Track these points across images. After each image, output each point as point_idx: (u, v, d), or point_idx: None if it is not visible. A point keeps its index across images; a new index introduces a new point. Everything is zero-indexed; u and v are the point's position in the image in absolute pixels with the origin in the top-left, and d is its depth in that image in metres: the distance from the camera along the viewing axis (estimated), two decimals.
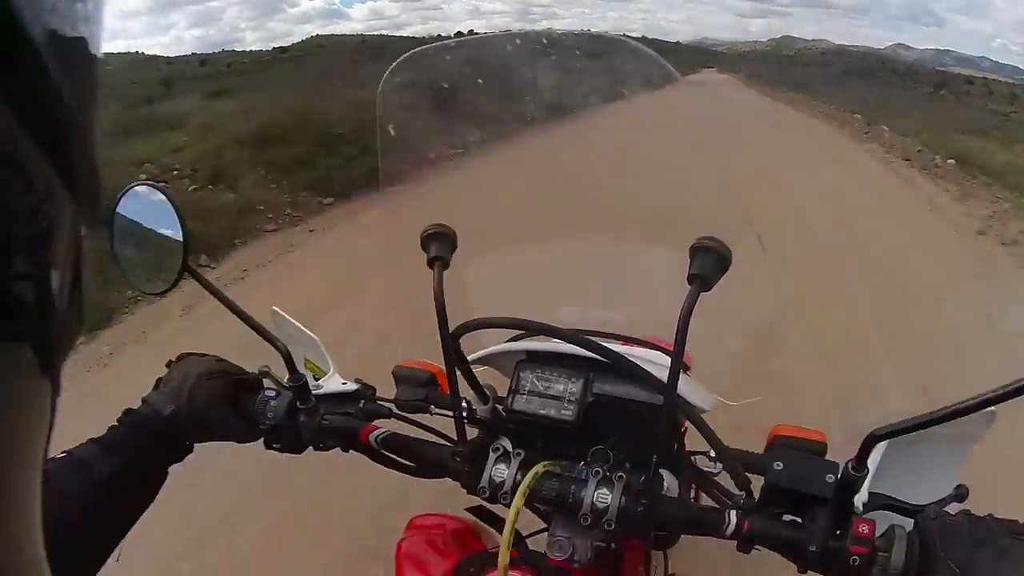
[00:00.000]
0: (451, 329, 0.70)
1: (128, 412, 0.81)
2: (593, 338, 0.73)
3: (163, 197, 0.79)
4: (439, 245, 0.74)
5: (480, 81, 0.99)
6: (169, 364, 0.88)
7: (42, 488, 0.59)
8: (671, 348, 0.65)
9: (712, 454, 0.76)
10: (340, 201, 6.78)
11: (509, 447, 0.76)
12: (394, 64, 0.89)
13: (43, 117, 0.17)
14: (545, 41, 1.00)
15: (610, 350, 0.71)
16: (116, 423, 0.80)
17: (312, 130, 7.89)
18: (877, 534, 0.62)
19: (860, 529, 0.62)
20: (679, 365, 0.66)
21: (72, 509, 0.68)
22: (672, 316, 0.64)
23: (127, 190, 0.80)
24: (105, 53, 0.21)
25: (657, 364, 0.74)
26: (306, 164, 7.32)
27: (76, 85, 0.18)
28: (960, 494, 0.67)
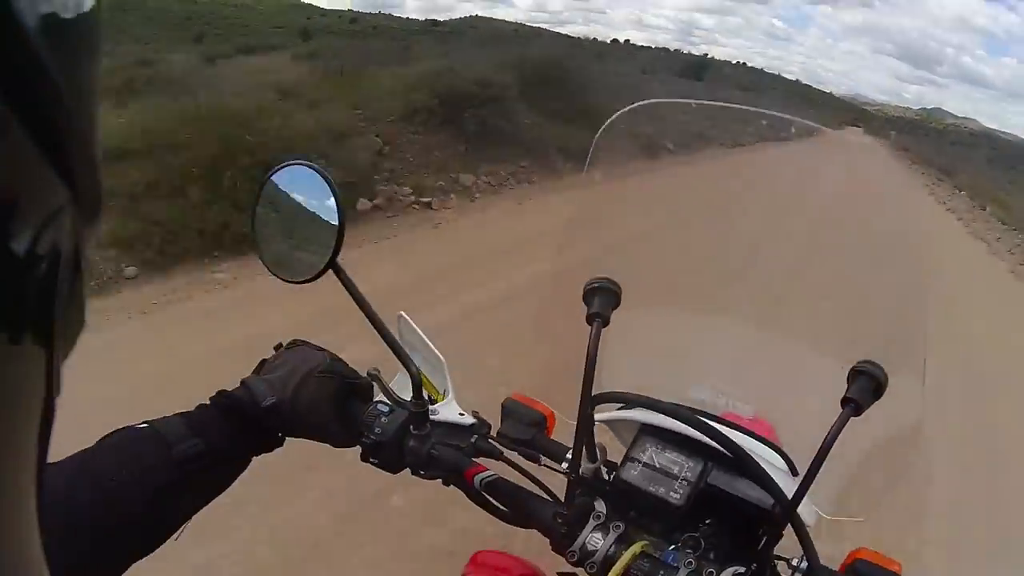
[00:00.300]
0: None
1: (222, 393, 0.76)
2: (717, 424, 0.71)
3: (320, 179, 0.75)
4: (602, 301, 0.72)
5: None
6: (278, 347, 0.83)
7: (118, 456, 0.57)
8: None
9: (794, 562, 0.72)
10: None
11: (604, 511, 0.74)
12: (616, 115, 0.89)
13: (43, 116, 0.17)
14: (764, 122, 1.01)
15: (740, 447, 0.69)
16: (207, 402, 0.75)
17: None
18: None
19: None
20: (808, 485, 0.65)
21: (145, 484, 0.65)
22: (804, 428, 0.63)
23: (283, 166, 0.76)
24: None
25: (775, 466, 0.72)
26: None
27: (76, 85, 0.18)
28: None
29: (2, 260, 0.17)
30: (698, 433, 0.72)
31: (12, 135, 0.16)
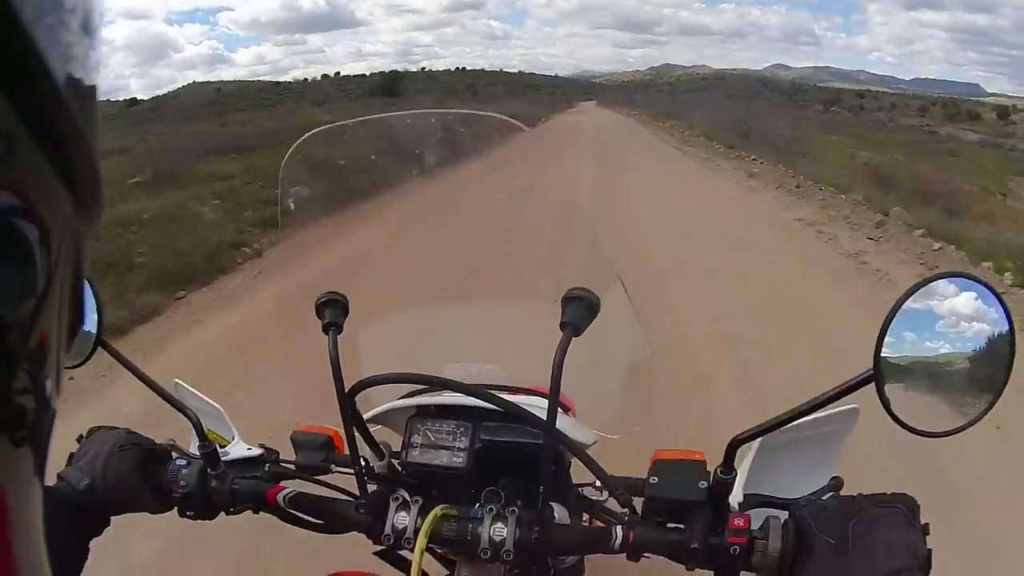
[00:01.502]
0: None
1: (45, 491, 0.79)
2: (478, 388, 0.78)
3: None
4: (332, 311, 0.79)
5: (373, 157, 1.07)
6: (80, 439, 0.87)
7: None
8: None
9: (598, 484, 0.83)
10: None
11: (408, 496, 0.80)
12: (296, 143, 0.94)
13: (43, 117, 0.17)
14: (433, 120, 1.10)
15: (492, 395, 0.76)
16: None
17: None
18: (755, 527, 0.70)
19: (736, 523, 0.70)
20: (555, 404, 0.73)
21: None
22: (549, 364, 0.71)
23: None
24: None
25: (540, 408, 0.79)
26: None
27: (76, 85, 0.18)
28: (835, 485, 0.74)
29: (2, 260, 0.17)
30: (455, 397, 0.80)
31: (12, 135, 0.16)
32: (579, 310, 0.75)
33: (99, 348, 0.83)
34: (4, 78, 0.16)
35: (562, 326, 0.74)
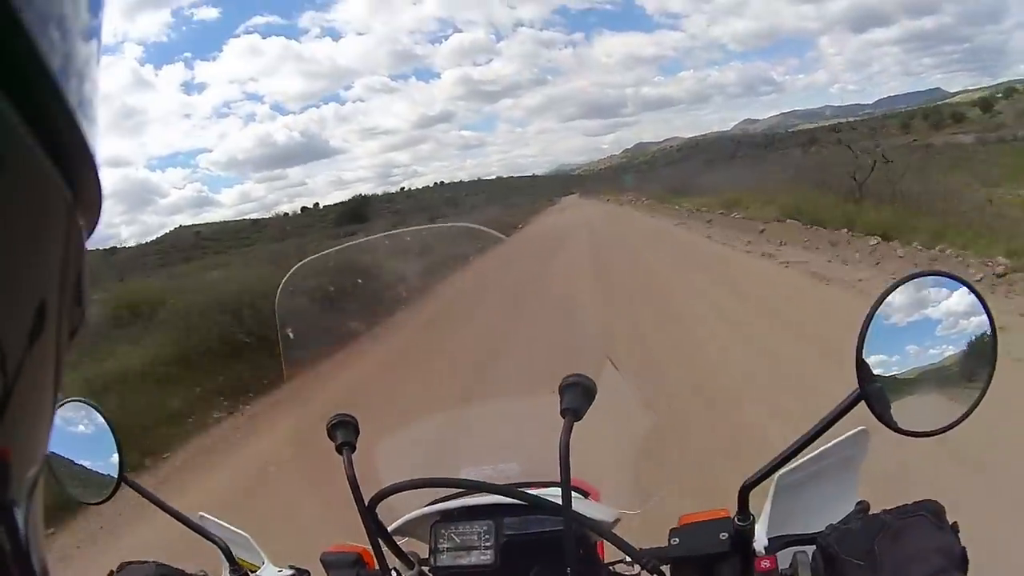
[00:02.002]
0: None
1: None
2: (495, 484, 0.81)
3: (95, 412, 0.87)
4: (344, 432, 0.82)
5: (360, 280, 1.14)
6: (111, 575, 0.87)
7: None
8: (572, 482, 0.74)
9: (628, 559, 0.83)
10: None
11: None
12: (288, 275, 1.01)
13: (45, 117, 0.17)
14: (409, 239, 1.18)
15: (509, 488, 0.79)
16: None
17: None
18: (784, 566, 0.70)
19: (763, 565, 0.70)
20: (568, 488, 0.74)
21: None
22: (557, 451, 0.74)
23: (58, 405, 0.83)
24: None
25: (559, 498, 0.80)
26: None
27: (76, 85, 0.18)
28: (862, 509, 0.72)
29: (4, 258, 0.17)
30: (475, 498, 0.82)
31: (13, 135, 0.16)
32: (577, 395, 0.78)
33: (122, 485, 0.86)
34: (4, 78, 0.16)
35: (563, 413, 0.77)
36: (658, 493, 1.05)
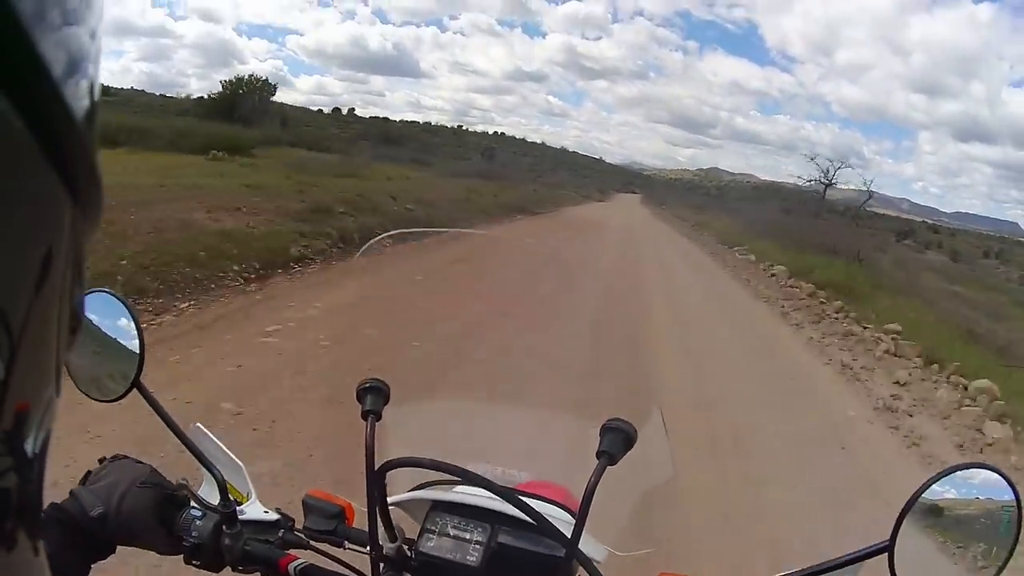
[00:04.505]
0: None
1: (54, 506, 0.79)
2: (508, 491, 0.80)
3: (123, 307, 0.85)
4: (374, 399, 0.80)
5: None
6: (102, 460, 0.88)
7: None
8: (562, 493, 0.74)
9: None
10: None
11: None
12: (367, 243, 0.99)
13: (45, 117, 0.17)
14: None
15: (521, 501, 0.76)
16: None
17: None
18: None
19: None
20: (581, 527, 0.73)
21: None
22: (572, 480, 0.72)
23: (86, 293, 0.82)
24: None
25: (558, 519, 0.79)
26: None
27: (76, 85, 0.18)
28: None
29: (3, 260, 0.17)
30: (478, 499, 0.80)
31: (13, 136, 0.16)
32: (617, 441, 0.76)
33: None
34: (4, 78, 0.16)
35: (598, 455, 0.75)
36: (646, 548, 1.03)
